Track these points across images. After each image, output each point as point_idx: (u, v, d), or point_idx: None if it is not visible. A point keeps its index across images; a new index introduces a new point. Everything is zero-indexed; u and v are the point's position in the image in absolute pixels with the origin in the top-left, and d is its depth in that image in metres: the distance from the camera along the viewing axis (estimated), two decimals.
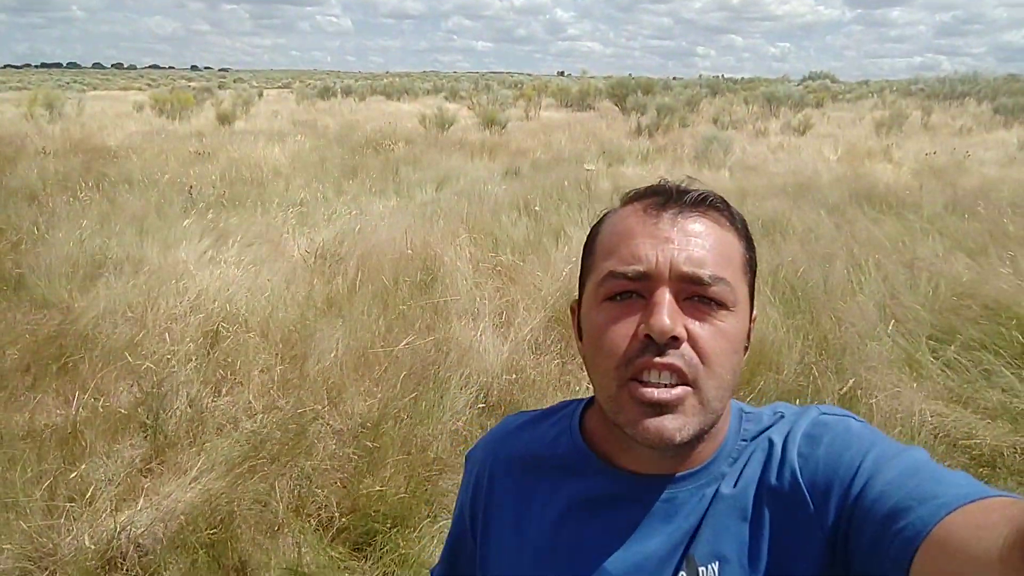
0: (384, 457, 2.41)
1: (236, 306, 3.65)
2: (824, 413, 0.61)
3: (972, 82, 24.77)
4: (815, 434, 0.58)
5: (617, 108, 21.11)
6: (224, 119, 14.80)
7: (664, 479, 0.60)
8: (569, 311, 0.67)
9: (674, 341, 0.54)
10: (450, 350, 3.23)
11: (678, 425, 0.54)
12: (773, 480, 0.57)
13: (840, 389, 2.67)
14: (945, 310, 3.63)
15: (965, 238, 5.36)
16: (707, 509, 0.58)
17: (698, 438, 0.56)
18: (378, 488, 2.26)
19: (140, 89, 37.59)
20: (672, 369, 0.54)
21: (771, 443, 0.59)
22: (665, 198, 0.59)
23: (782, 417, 0.62)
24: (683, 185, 0.61)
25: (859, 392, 2.67)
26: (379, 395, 2.79)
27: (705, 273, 0.55)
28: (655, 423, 0.54)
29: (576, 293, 0.67)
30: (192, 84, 37.09)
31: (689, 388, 0.54)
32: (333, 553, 2.08)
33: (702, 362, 0.54)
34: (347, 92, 32.48)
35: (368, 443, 2.49)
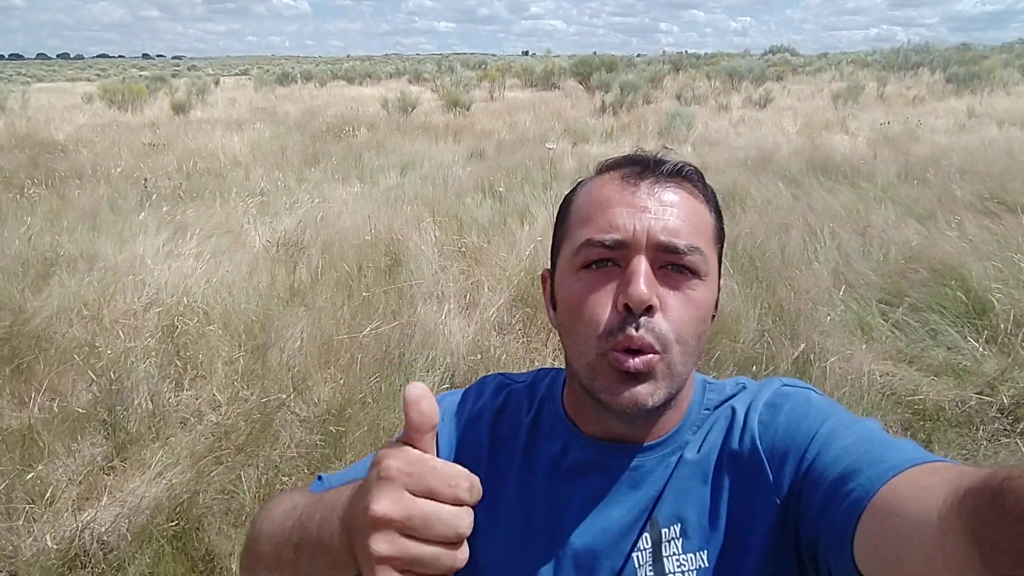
0: (350, 442, 2.42)
1: (196, 299, 3.60)
2: (786, 384, 0.64)
3: (925, 52, 25.31)
4: (776, 403, 0.61)
5: (582, 87, 21.07)
6: (179, 108, 14.37)
7: (632, 448, 0.62)
8: (540, 280, 0.68)
9: (649, 310, 0.55)
10: (415, 333, 3.24)
11: (650, 391, 0.56)
12: (734, 446, 0.60)
13: (793, 354, 2.75)
14: (894, 274, 3.76)
15: (915, 204, 5.54)
16: (671, 474, 0.61)
17: (666, 404, 0.58)
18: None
19: (89, 80, 36.16)
20: (646, 344, 0.55)
21: (733, 411, 0.62)
22: (642, 167, 0.60)
23: (744, 388, 0.65)
24: (659, 155, 0.62)
25: (812, 356, 2.77)
26: (343, 381, 2.79)
27: (681, 242, 0.56)
28: (629, 391, 0.56)
29: (548, 263, 0.67)
30: (144, 73, 35.79)
31: (659, 355, 0.56)
32: None
33: (672, 330, 0.56)
34: (307, 77, 31.76)
35: (333, 428, 2.50)
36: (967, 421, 2.45)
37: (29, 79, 38.96)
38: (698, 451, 0.61)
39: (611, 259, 0.57)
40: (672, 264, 0.57)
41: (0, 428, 2.59)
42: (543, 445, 0.66)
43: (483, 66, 34.42)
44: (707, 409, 0.64)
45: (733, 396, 0.64)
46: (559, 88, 23.17)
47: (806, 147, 8.97)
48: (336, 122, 12.26)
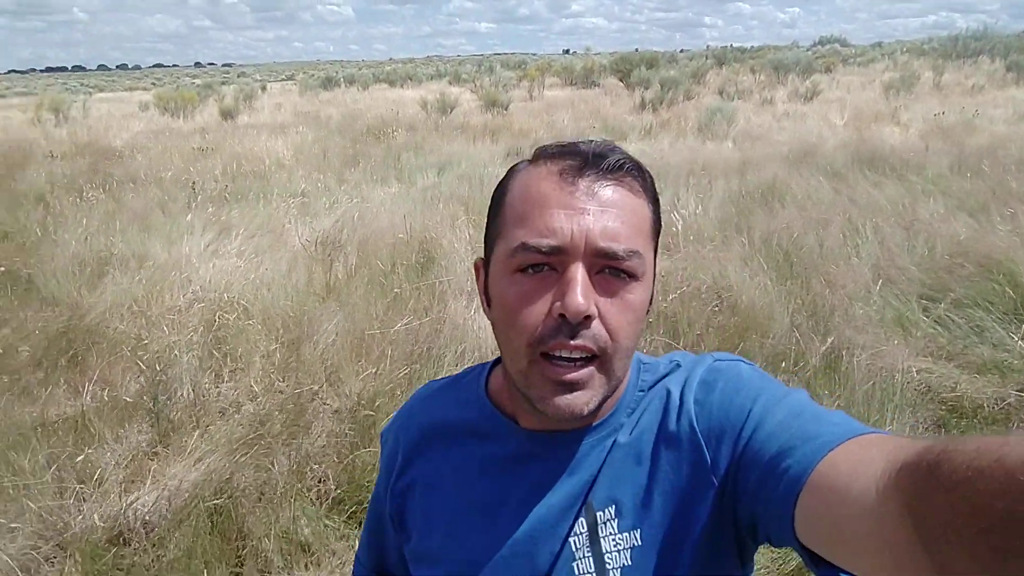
0: (378, 431, 2.49)
1: (237, 295, 3.74)
2: (717, 360, 0.64)
3: (985, 39, 24.13)
4: (709, 380, 0.61)
5: (622, 84, 20.90)
6: (227, 114, 14.89)
7: (568, 436, 0.62)
8: (473, 269, 0.66)
9: (586, 320, 0.54)
10: (444, 329, 3.30)
11: (586, 399, 0.56)
12: (671, 427, 0.60)
13: (822, 349, 2.69)
14: (939, 269, 3.63)
15: (967, 198, 5.31)
16: (605, 458, 0.61)
17: (602, 404, 0.59)
18: (373, 460, 2.34)
19: (145, 89, 37.83)
20: (583, 349, 0.55)
21: (668, 392, 0.62)
22: (581, 163, 0.57)
23: (678, 366, 0.64)
24: (598, 148, 0.58)
25: (843, 352, 2.70)
26: (374, 373, 2.87)
27: (620, 247, 0.54)
28: (565, 400, 0.56)
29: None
30: (196, 81, 37.23)
31: (596, 364, 0.56)
32: (329, 523, 2.17)
33: (610, 337, 0.55)
34: (350, 81, 32.44)
35: (364, 414, 2.58)
36: (1004, 419, 2.35)
37: (91, 89, 40.99)
38: (631, 433, 0.61)
39: (547, 264, 0.55)
40: (610, 268, 0.56)
41: (56, 415, 2.76)
42: (476, 442, 0.66)
43: (523, 66, 34.50)
44: (641, 391, 0.63)
45: (667, 375, 0.64)
46: (599, 86, 23.03)
47: (853, 140, 8.69)
48: (376, 124, 12.51)
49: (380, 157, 9.39)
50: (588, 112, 14.42)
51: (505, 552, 0.61)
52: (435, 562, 0.65)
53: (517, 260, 0.56)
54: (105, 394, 2.88)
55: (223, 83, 35.17)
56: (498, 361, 0.68)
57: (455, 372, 0.77)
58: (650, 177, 0.61)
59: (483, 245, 0.64)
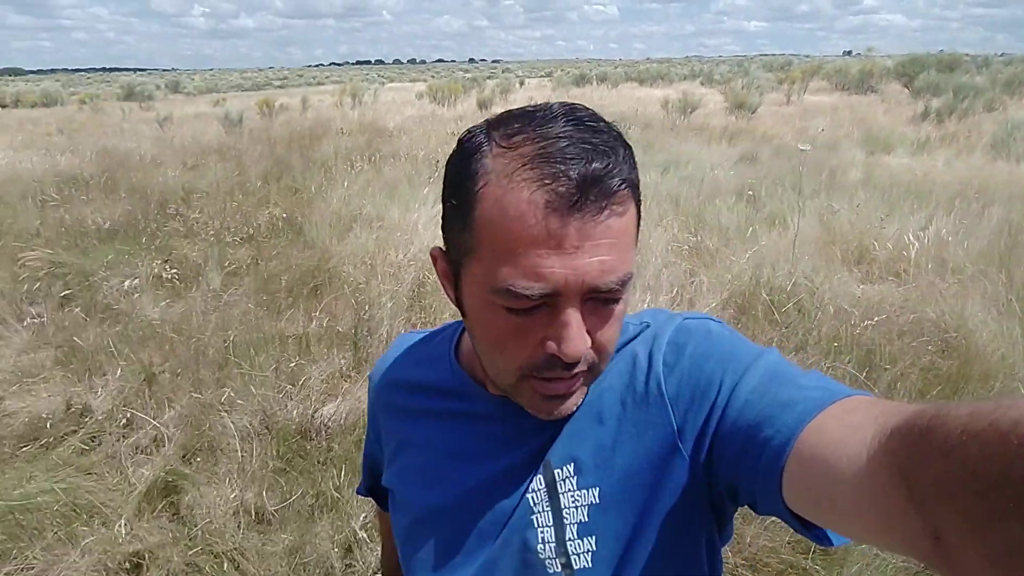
0: None
1: None
2: (687, 319, 0.62)
3: None
4: (679, 342, 0.59)
5: (906, 90, 18.20)
6: (483, 104, 16.38)
7: None
8: (431, 257, 0.62)
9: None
10: None
11: (575, 402, 0.57)
12: (638, 388, 0.58)
13: None
14: None
15: None
16: (568, 418, 0.60)
17: None
18: None
19: (424, 80, 43.24)
20: (577, 374, 0.54)
21: (635, 354, 0.60)
22: (573, 194, 0.47)
23: (647, 326, 0.62)
24: (585, 157, 0.48)
25: None
26: None
27: (615, 281, 0.50)
28: (557, 408, 0.56)
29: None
30: (467, 75, 41.38)
31: (585, 375, 0.56)
32: None
33: (598, 353, 0.54)
34: (602, 79, 33.18)
35: None
36: None
37: (384, 79, 48.13)
38: (595, 394, 0.60)
39: (537, 306, 0.51)
40: (604, 299, 0.52)
41: (291, 331, 3.44)
42: (444, 399, 0.67)
43: (787, 68, 31.85)
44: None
45: (636, 337, 0.62)
46: (876, 92, 20.31)
47: None
48: (611, 119, 12.68)
49: None
50: (852, 120, 12.88)
51: (465, 500, 0.62)
52: (405, 507, 0.68)
53: (502, 300, 0.51)
54: (326, 322, 3.49)
55: (488, 77, 38.58)
56: None
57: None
58: (633, 159, 0.53)
59: (441, 234, 0.58)
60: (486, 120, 0.54)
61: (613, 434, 0.58)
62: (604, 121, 0.52)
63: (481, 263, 0.52)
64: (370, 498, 0.84)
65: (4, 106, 26.09)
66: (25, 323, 3.62)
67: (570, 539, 0.58)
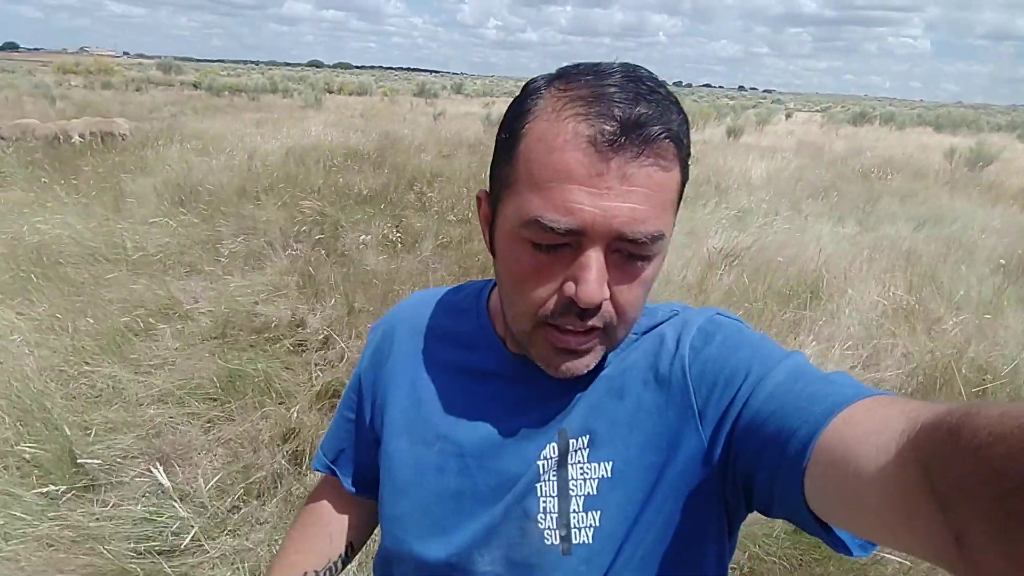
0: None
1: None
2: (719, 314, 0.62)
3: None
4: (709, 330, 0.59)
5: None
6: (732, 132, 15.79)
7: None
8: (475, 200, 0.62)
9: (598, 305, 0.52)
10: None
11: (587, 363, 0.56)
12: (661, 369, 0.58)
13: None
14: None
15: None
16: (586, 388, 0.60)
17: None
18: None
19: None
20: (592, 327, 0.53)
21: (663, 336, 0.60)
22: (616, 132, 0.48)
23: (676, 314, 0.62)
24: (636, 104, 0.49)
25: None
26: None
27: (644, 233, 0.49)
28: (567, 365, 0.55)
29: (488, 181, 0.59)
30: (731, 102, 39.89)
31: (600, 337, 0.55)
32: None
33: (618, 314, 0.53)
34: (887, 119, 29.54)
35: None
36: None
37: None
38: (617, 369, 0.60)
39: (562, 243, 0.51)
40: (629, 252, 0.51)
41: None
42: (462, 351, 0.66)
43: None
44: (635, 334, 0.61)
45: (664, 321, 0.62)
46: None
47: None
48: (875, 164, 11.37)
49: (854, 196, 8.65)
50: None
51: (471, 459, 0.61)
52: (397, 460, 0.65)
53: (529, 233, 0.51)
54: None
55: (754, 106, 36.73)
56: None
57: None
58: (686, 127, 0.53)
59: (488, 175, 0.59)
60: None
61: (632, 411, 0.58)
62: (664, 86, 0.52)
63: (517, 196, 0.52)
64: (328, 474, 0.78)
65: (331, 92, 32.33)
66: (287, 253, 4.64)
67: (574, 511, 0.57)
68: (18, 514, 1.87)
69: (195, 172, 6.81)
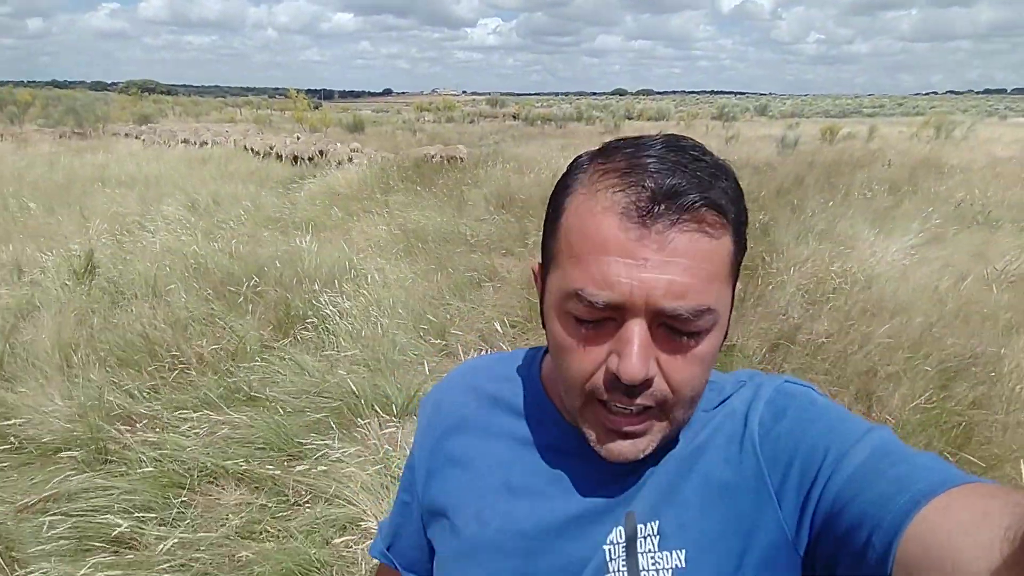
0: None
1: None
2: (788, 382, 0.59)
3: None
4: (779, 404, 0.56)
5: None
6: None
7: None
8: (533, 272, 0.60)
9: (646, 382, 0.49)
10: None
11: (642, 447, 0.53)
12: (732, 450, 0.55)
13: None
14: None
15: None
16: (655, 470, 0.57)
17: (661, 444, 0.55)
18: None
19: None
20: (643, 407, 0.51)
21: (732, 411, 0.58)
22: (651, 199, 0.47)
23: (744, 384, 0.60)
24: (671, 173, 0.48)
25: None
26: None
27: (686, 308, 0.47)
28: (618, 446, 0.53)
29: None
30: None
31: (655, 413, 0.52)
32: None
33: (672, 392, 0.51)
34: None
35: None
36: None
37: (1012, 111, 40.12)
38: (688, 450, 0.56)
39: (605, 317, 0.50)
40: (674, 328, 0.49)
41: None
42: (519, 422, 0.64)
43: None
44: (704, 410, 0.58)
45: (732, 395, 0.59)
46: None
47: None
48: None
49: None
50: None
51: (526, 542, 0.58)
52: (451, 535, 0.62)
53: (571, 307, 0.51)
54: None
55: None
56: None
57: None
58: (734, 187, 0.51)
59: (540, 249, 0.58)
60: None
61: (702, 494, 0.54)
62: (711, 154, 0.51)
63: (560, 269, 0.52)
64: (385, 562, 0.75)
65: (631, 118, 34.43)
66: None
67: None
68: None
69: (512, 185, 8.69)
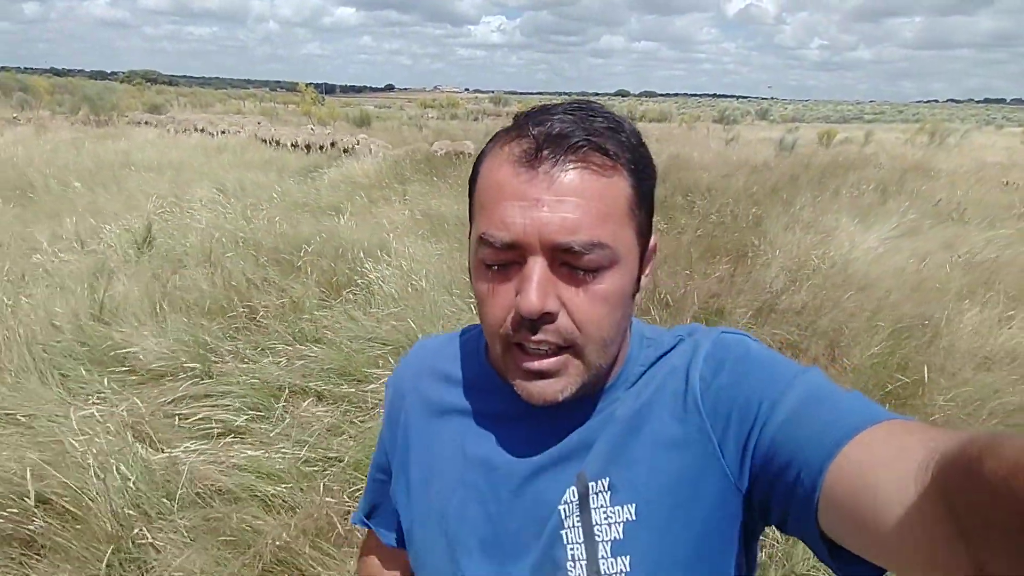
0: None
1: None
2: (724, 332, 0.61)
3: None
4: (717, 357, 0.58)
5: None
6: None
7: (560, 404, 0.58)
8: (467, 238, 0.61)
9: (547, 316, 0.52)
10: None
11: (560, 387, 0.55)
12: (676, 403, 0.58)
13: None
14: None
15: None
16: (601, 430, 0.59)
17: (585, 389, 0.57)
18: None
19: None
20: (547, 343, 0.54)
21: (673, 368, 0.60)
22: (539, 144, 0.52)
23: (682, 340, 0.62)
24: (562, 123, 0.52)
25: None
26: None
27: (577, 241, 0.51)
28: (537, 387, 0.55)
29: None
30: None
31: (569, 354, 0.54)
32: None
33: (579, 330, 0.53)
34: None
35: None
36: None
37: (1008, 121, 40.72)
38: (631, 408, 0.59)
39: (508, 260, 0.53)
40: (573, 264, 0.52)
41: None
42: (472, 395, 0.67)
43: None
44: (642, 366, 0.62)
45: (671, 350, 0.62)
46: None
47: None
48: None
49: None
50: None
51: (491, 504, 0.61)
52: (419, 513, 0.66)
53: (480, 254, 0.55)
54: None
55: None
56: None
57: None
58: (632, 139, 0.55)
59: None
60: None
61: (651, 450, 0.57)
62: (614, 115, 0.55)
63: (473, 224, 0.57)
64: (365, 527, 0.80)
65: (633, 119, 34.88)
66: None
67: (603, 557, 0.56)
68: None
69: None
